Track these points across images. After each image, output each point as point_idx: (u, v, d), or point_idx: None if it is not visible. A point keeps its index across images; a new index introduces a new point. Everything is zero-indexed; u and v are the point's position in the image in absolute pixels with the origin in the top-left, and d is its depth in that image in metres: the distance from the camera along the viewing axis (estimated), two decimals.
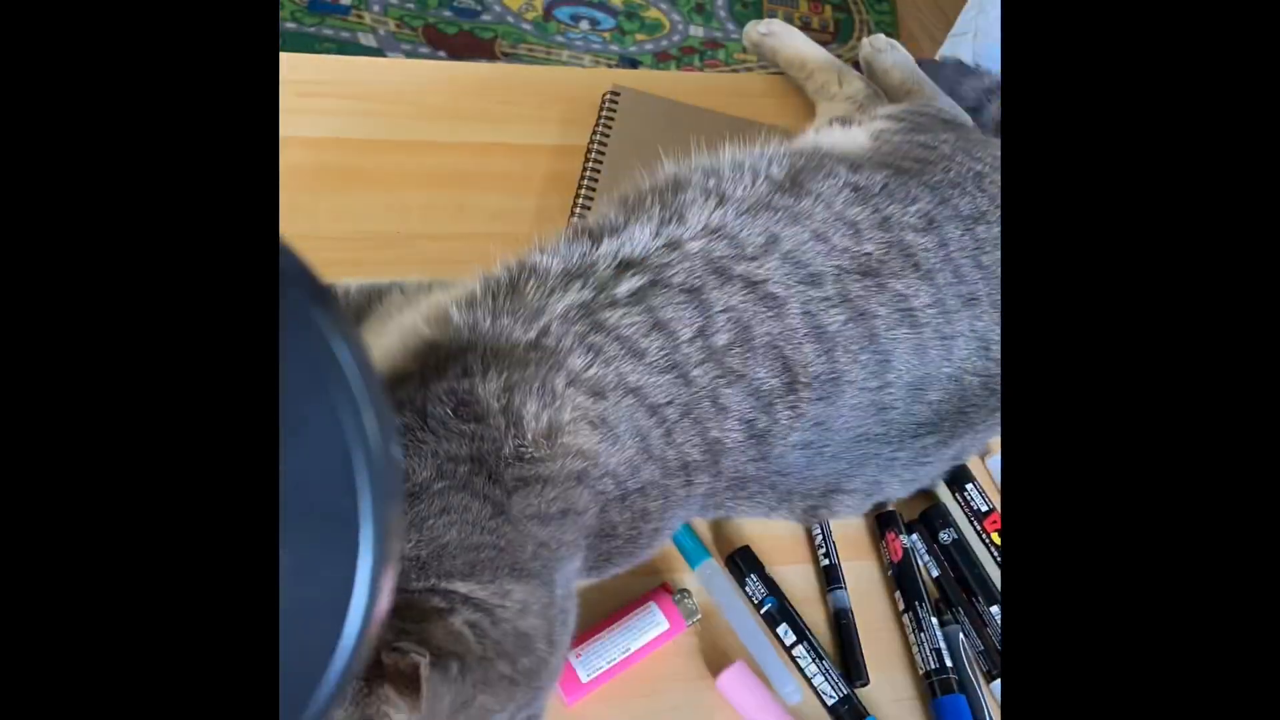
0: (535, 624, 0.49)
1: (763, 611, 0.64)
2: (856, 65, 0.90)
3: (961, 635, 0.65)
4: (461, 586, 0.48)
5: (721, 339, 0.56)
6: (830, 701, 0.61)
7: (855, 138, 0.72)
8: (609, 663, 0.60)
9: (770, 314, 0.57)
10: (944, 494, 0.71)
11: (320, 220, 0.73)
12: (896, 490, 0.66)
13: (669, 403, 0.55)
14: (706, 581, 0.64)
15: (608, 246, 0.57)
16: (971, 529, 0.70)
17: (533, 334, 0.54)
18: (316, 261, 0.29)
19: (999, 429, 0.67)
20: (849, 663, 0.63)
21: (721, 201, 0.60)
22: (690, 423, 0.55)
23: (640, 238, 0.58)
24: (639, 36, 1.72)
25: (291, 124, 0.75)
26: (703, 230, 0.59)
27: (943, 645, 0.64)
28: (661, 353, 0.55)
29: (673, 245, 0.58)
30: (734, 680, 0.60)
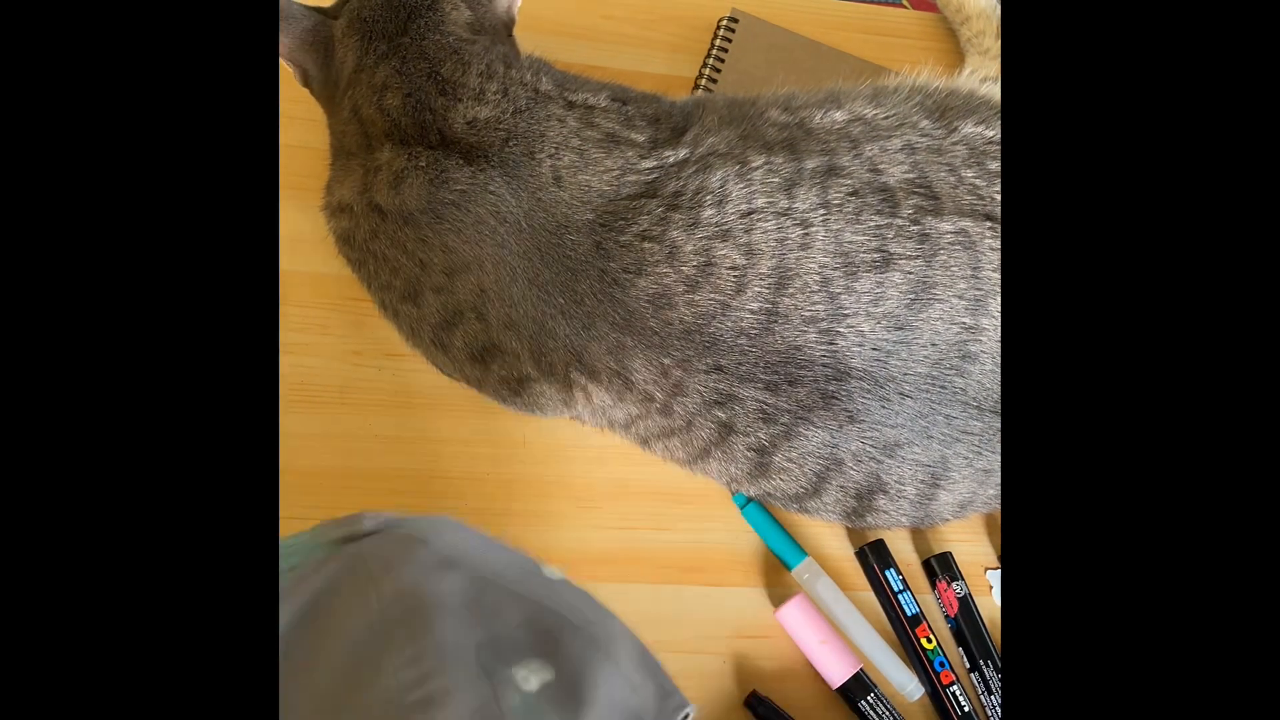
0: None
1: (909, 614, 0.60)
2: None
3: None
4: None
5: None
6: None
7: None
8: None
9: (883, 200, 0.55)
10: None
11: None
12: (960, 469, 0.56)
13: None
14: (808, 584, 0.61)
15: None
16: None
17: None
18: None
19: None
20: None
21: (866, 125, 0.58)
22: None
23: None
24: None
25: None
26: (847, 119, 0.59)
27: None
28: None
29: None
30: (794, 613, 0.59)
